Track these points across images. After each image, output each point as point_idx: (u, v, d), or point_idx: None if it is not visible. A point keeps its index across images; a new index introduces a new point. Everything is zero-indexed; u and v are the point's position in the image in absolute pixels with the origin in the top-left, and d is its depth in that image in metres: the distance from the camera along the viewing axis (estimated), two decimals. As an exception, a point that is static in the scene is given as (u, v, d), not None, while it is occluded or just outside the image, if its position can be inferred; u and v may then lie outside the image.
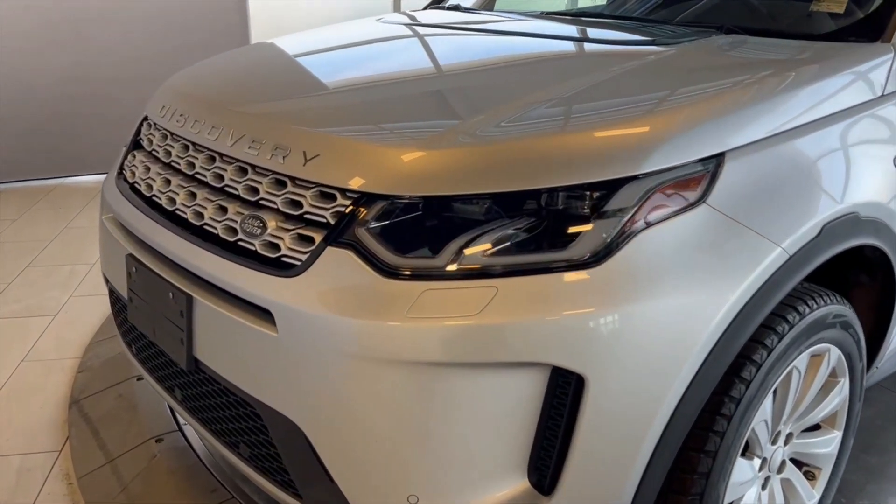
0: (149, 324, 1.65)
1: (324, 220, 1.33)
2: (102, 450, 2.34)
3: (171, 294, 1.53)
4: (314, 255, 1.30)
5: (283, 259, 1.34)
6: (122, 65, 4.84)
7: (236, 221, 1.44)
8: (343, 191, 1.32)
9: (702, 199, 1.29)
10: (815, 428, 1.75)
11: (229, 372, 1.45)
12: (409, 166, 1.28)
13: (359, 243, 1.27)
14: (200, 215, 1.53)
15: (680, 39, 1.82)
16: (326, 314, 1.25)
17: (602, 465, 1.26)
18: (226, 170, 1.52)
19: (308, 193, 1.36)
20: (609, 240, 1.22)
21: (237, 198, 1.48)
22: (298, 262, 1.32)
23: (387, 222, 1.27)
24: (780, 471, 1.66)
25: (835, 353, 1.60)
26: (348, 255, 1.27)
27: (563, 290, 1.20)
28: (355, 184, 1.30)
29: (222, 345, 1.45)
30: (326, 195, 1.34)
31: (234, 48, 2.47)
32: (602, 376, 1.21)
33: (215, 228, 1.49)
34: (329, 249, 1.29)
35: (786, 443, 1.64)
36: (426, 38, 2.13)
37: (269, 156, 1.43)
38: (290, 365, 1.31)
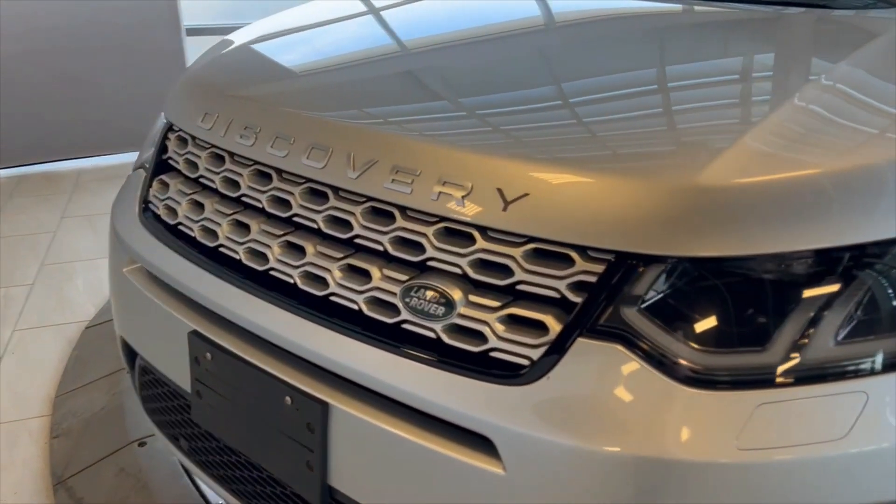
0: (239, 433, 1.17)
1: (555, 295, 0.88)
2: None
3: (288, 399, 1.05)
4: (556, 352, 0.86)
5: (496, 356, 0.90)
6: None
7: (395, 294, 0.98)
8: (584, 249, 0.87)
9: None
10: None
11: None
12: (694, 209, 0.84)
13: (632, 332, 0.84)
14: (321, 281, 1.05)
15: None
16: (593, 447, 0.81)
17: None
18: (353, 213, 1.05)
19: (518, 252, 0.90)
20: None
21: (383, 255, 1.01)
22: (526, 362, 0.87)
23: (671, 299, 0.84)
24: None
25: None
26: (616, 352, 0.83)
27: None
28: (606, 239, 0.85)
29: (386, 475, 0.99)
30: (552, 255, 0.89)
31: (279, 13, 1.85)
32: None
33: (354, 303, 1.02)
34: (582, 343, 0.85)
35: None
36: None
37: (436, 194, 0.96)
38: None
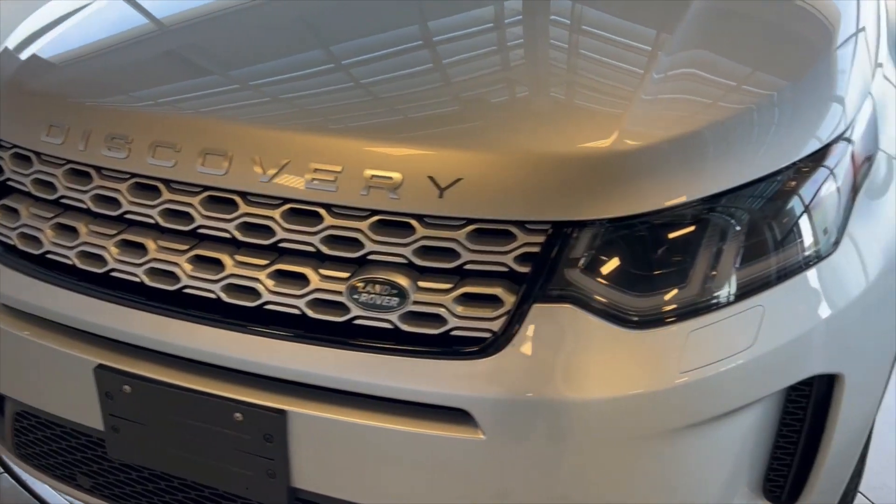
0: (176, 458, 1.12)
1: (504, 270, 0.96)
2: None
3: (238, 415, 1.03)
4: (514, 321, 0.94)
5: (457, 334, 0.96)
6: None
7: (340, 293, 0.99)
8: (522, 223, 0.95)
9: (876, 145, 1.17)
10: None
11: (369, 494, 1.04)
12: (617, 172, 0.95)
13: (578, 291, 0.94)
14: (251, 291, 1.03)
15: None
16: (562, 397, 0.92)
17: (842, 463, 1.15)
18: (272, 218, 1.03)
19: (461, 235, 0.96)
20: (838, 211, 1.05)
21: (314, 256, 1.01)
22: (488, 335, 0.95)
23: (605, 255, 0.95)
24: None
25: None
26: (568, 311, 0.93)
27: (820, 284, 1.02)
28: (543, 211, 0.94)
29: (358, 463, 1.02)
30: (493, 233, 0.96)
31: None
32: (854, 369, 1.07)
33: (295, 308, 1.01)
34: (537, 308, 0.94)
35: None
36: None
37: (365, 189, 0.98)
38: (510, 474, 0.96)
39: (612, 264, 0.95)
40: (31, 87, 1.27)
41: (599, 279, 0.94)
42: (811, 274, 1.01)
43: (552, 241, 0.94)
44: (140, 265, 1.09)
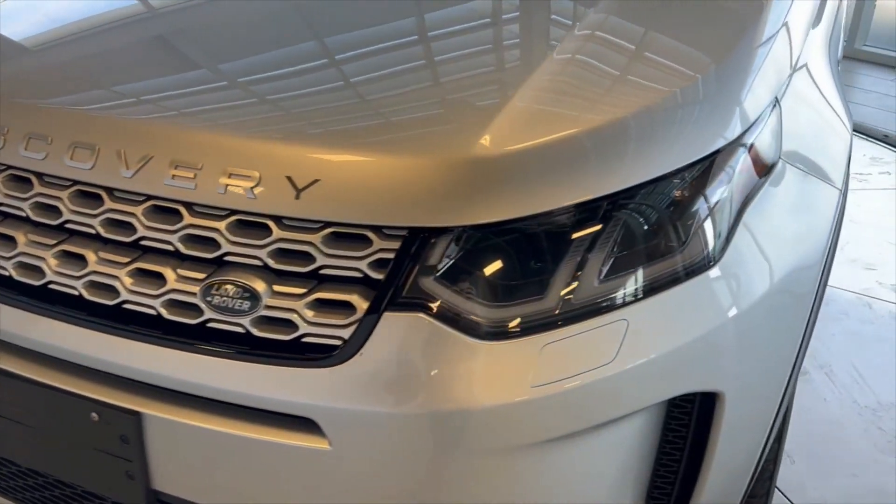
0: (42, 454, 1.10)
1: (359, 276, 0.93)
2: None
3: (94, 415, 1.01)
4: (366, 329, 0.91)
5: (308, 341, 0.93)
6: None
7: (193, 294, 0.96)
8: (379, 228, 0.92)
9: (777, 152, 1.13)
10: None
11: (225, 499, 1.02)
12: (476, 179, 0.91)
13: (431, 299, 0.91)
14: (110, 289, 1.01)
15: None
16: (409, 410, 0.89)
17: (730, 478, 1.12)
18: (134, 214, 1.00)
19: (317, 238, 0.93)
20: (722, 225, 1.01)
21: (176, 256, 0.99)
22: (338, 342, 0.92)
23: (461, 264, 0.92)
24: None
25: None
26: (420, 320, 0.91)
27: (695, 300, 0.98)
28: (399, 217, 0.91)
29: (213, 469, 1.00)
30: (350, 237, 0.93)
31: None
32: (736, 387, 1.04)
33: (151, 308, 0.99)
34: (388, 316, 0.91)
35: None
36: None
37: (223, 188, 0.95)
38: (355, 483, 0.94)
39: (467, 273, 0.92)
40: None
41: (454, 288, 0.91)
42: (684, 289, 0.97)
43: (407, 248, 0.91)
44: (9, 258, 1.07)
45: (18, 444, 1.11)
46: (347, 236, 0.93)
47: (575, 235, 0.94)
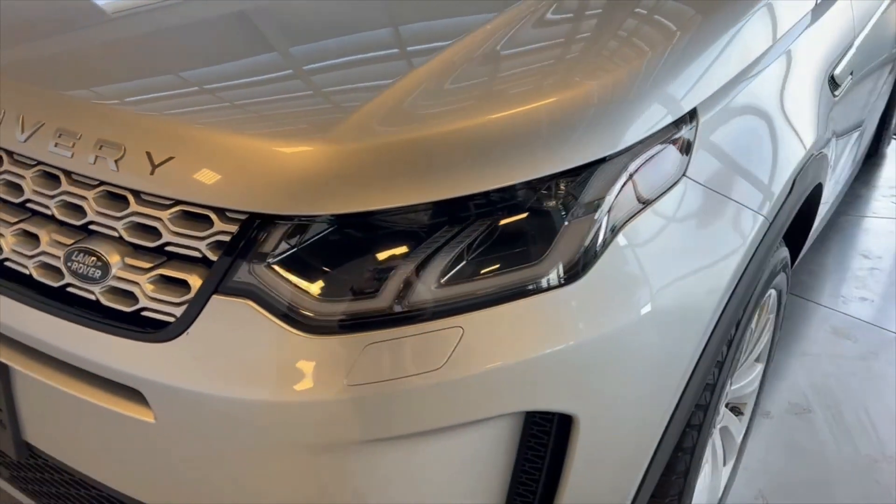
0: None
1: (198, 255, 0.94)
2: None
3: (-34, 364, 1.08)
4: (194, 309, 0.92)
5: (146, 315, 0.95)
6: None
7: (59, 258, 1.01)
8: (221, 211, 0.93)
9: (681, 171, 1.05)
10: (740, 365, 1.68)
11: (82, 462, 1.06)
12: (319, 170, 0.90)
13: (260, 288, 0.91)
14: (-2, 247, 1.07)
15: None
16: (226, 394, 0.89)
17: (595, 498, 1.06)
18: (24, 178, 1.05)
19: (166, 215, 0.95)
20: (588, 242, 0.96)
21: (52, 219, 1.03)
22: (172, 319, 0.93)
23: (295, 253, 0.91)
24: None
25: (773, 294, 1.50)
26: (246, 307, 0.91)
27: (544, 316, 0.93)
28: (239, 200, 0.91)
29: (67, 428, 1.04)
30: (195, 217, 0.94)
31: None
32: (593, 411, 0.98)
33: (25, 267, 1.04)
34: (216, 300, 0.91)
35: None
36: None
37: (93, 157, 0.98)
38: (177, 460, 0.95)
39: (300, 264, 0.91)
40: None
41: (284, 278, 0.91)
42: (533, 303, 0.93)
43: (244, 233, 0.92)
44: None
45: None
46: (195, 216, 0.94)
47: (415, 237, 0.91)
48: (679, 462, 1.20)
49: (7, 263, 1.06)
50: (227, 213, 0.93)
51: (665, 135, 1.03)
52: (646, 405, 1.04)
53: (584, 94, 0.99)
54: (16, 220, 1.06)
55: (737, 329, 1.18)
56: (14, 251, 1.05)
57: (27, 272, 1.03)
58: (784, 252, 1.43)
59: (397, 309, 0.90)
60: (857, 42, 1.69)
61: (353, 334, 0.89)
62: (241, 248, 0.92)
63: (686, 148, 1.06)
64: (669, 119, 1.04)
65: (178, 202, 0.94)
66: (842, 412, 2.15)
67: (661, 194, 1.02)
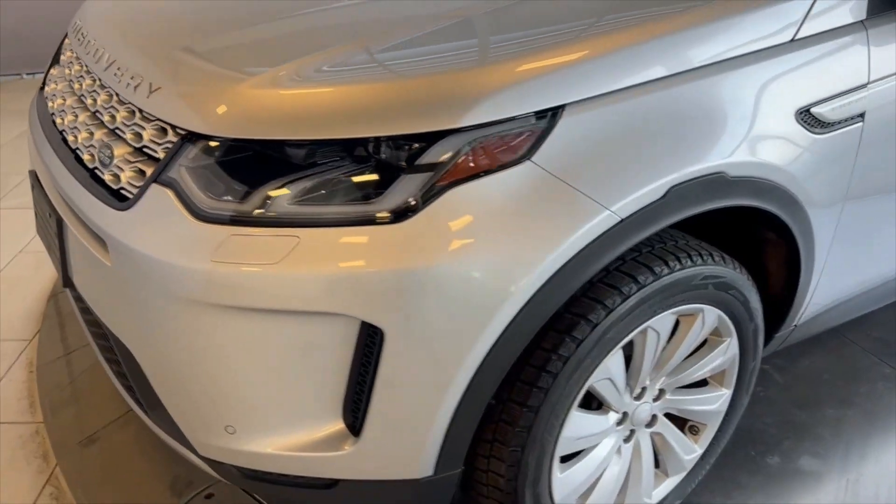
0: (46, 239, 1.73)
1: (157, 156, 1.34)
2: (63, 343, 2.52)
3: (49, 214, 1.59)
4: (142, 191, 1.32)
5: (122, 191, 1.37)
6: None
7: (95, 148, 1.47)
8: (174, 127, 1.32)
9: (527, 155, 1.22)
10: (703, 383, 1.70)
11: (87, 294, 1.53)
12: (227, 106, 1.26)
13: (178, 183, 1.28)
14: (76, 139, 1.56)
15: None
16: (144, 252, 1.28)
17: (402, 413, 1.28)
18: (99, 94, 1.54)
19: (149, 126, 1.36)
20: (418, 195, 1.19)
21: (102, 124, 1.50)
22: (131, 196, 1.35)
23: (204, 163, 1.27)
24: (650, 425, 1.64)
25: (711, 313, 1.53)
26: (168, 194, 1.29)
27: (366, 244, 1.19)
28: (182, 120, 1.30)
29: (83, 268, 1.51)
30: (163, 130, 1.34)
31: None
32: (400, 331, 1.21)
33: (82, 153, 1.52)
34: (154, 187, 1.31)
35: (656, 398, 1.61)
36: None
37: (127, 84, 1.43)
38: (121, 295, 1.36)
39: (205, 170, 1.27)
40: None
41: (192, 179, 1.27)
42: (357, 231, 1.19)
43: (181, 143, 1.29)
44: (59, 113, 1.69)
45: (41, 230, 1.75)
46: (162, 129, 1.34)
47: (289, 164, 1.23)
48: (522, 416, 1.35)
49: (77, 151, 1.55)
50: (177, 129, 1.31)
51: (518, 122, 1.22)
52: (452, 342, 1.23)
53: (439, 78, 1.23)
54: (90, 123, 1.55)
55: (584, 322, 1.31)
56: (82, 143, 1.53)
57: (83, 156, 1.52)
58: (718, 269, 1.47)
59: (255, 213, 1.22)
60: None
61: (223, 226, 1.23)
62: (175, 153, 1.30)
63: (540, 137, 1.23)
64: (525, 110, 1.22)
65: (156, 119, 1.35)
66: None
67: (499, 169, 1.21)
